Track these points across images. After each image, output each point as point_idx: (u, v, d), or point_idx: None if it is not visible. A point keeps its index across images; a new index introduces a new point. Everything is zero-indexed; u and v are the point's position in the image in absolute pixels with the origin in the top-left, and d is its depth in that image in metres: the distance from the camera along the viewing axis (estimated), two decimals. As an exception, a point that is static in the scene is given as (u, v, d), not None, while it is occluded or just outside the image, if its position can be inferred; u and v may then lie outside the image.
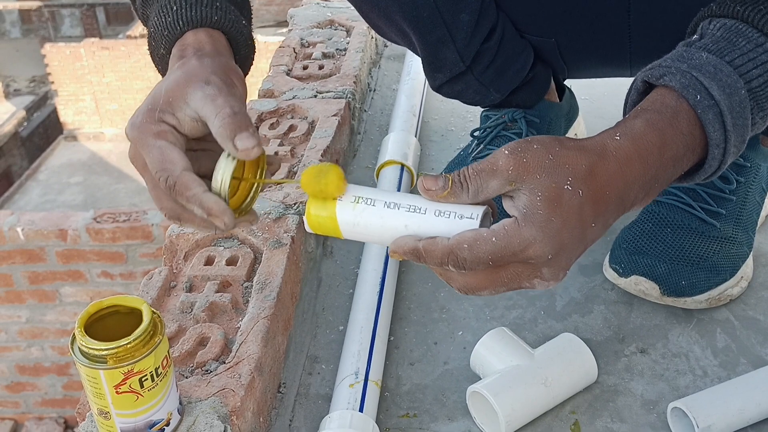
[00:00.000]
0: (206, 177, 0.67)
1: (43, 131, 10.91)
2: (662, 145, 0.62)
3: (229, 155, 0.66)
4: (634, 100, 0.69)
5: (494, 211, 0.64)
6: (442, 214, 0.62)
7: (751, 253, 0.95)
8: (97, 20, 14.74)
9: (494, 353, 0.82)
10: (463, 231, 0.60)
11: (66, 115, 10.28)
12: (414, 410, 0.82)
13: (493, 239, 0.59)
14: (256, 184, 0.71)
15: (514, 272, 0.61)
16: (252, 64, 0.81)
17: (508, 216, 0.60)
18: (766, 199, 1.01)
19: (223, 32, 0.75)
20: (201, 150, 0.71)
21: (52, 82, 10.14)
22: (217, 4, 0.74)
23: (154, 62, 0.78)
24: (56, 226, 3.16)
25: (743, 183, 0.94)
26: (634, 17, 0.94)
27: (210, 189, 0.66)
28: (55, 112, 10.63)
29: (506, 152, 0.60)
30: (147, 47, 0.78)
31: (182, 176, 0.65)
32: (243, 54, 0.78)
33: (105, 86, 9.96)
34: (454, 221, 0.61)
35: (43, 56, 9.97)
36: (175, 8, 0.73)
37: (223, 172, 0.66)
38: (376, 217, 0.63)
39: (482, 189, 0.61)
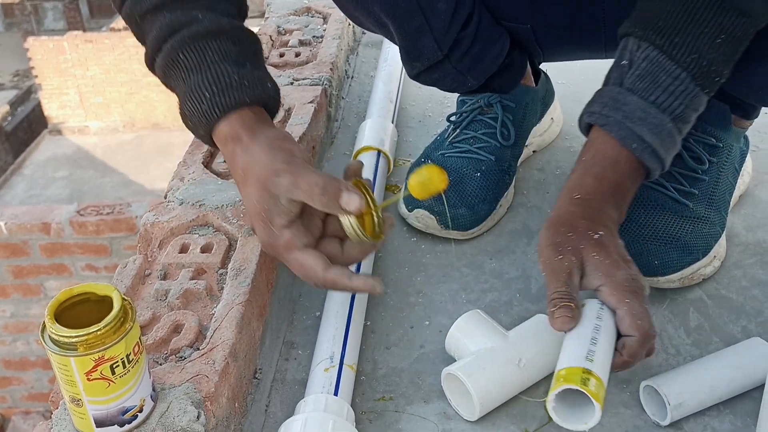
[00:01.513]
0: (328, 215, 0.80)
1: (28, 125, 10.84)
2: (613, 188, 0.80)
3: None
4: (584, 131, 0.84)
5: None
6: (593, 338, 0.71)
7: (724, 232, 0.95)
8: (81, 13, 14.63)
9: (468, 335, 0.82)
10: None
11: (50, 109, 10.22)
12: (390, 393, 0.83)
13: (627, 292, 0.73)
14: (375, 211, 0.79)
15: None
16: (281, 102, 0.87)
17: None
18: (739, 180, 1.02)
19: (254, 104, 0.81)
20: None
21: (36, 76, 10.08)
22: (246, 82, 0.80)
23: (192, 132, 0.85)
24: (39, 219, 3.15)
25: (716, 163, 0.95)
26: (608, 1, 0.95)
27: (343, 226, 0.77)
28: (39, 106, 10.57)
29: (555, 256, 0.76)
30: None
31: (327, 277, 0.76)
32: (273, 107, 0.85)
33: (89, 79, 9.91)
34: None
35: (26, 50, 9.91)
36: (207, 95, 0.79)
37: (350, 228, 0.76)
38: None
39: (575, 285, 0.74)
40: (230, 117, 0.79)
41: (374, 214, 0.79)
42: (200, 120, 0.80)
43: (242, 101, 0.79)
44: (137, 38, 0.86)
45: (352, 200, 0.74)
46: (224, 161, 1.00)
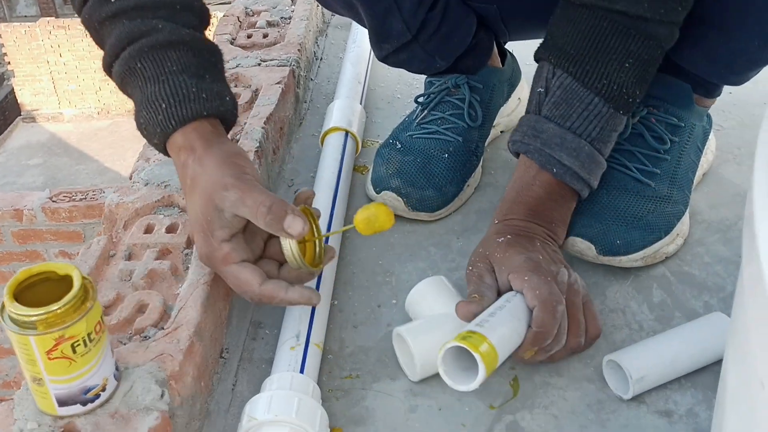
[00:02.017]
0: (270, 237, 0.81)
1: (1, 113, 10.70)
2: (532, 207, 0.86)
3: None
4: (513, 153, 0.90)
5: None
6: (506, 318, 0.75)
7: (687, 210, 0.97)
8: (53, -1, 14.43)
9: (426, 300, 0.84)
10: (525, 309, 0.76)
11: (23, 96, 10.10)
12: (357, 371, 0.83)
13: (526, 270, 0.78)
14: (318, 240, 0.81)
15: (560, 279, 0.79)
16: (237, 114, 0.87)
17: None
18: (702, 158, 1.03)
19: (210, 116, 0.81)
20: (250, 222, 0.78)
21: (8, 63, 9.95)
22: (203, 95, 0.80)
23: (147, 140, 0.84)
24: (11, 206, 3.11)
25: (677, 143, 0.96)
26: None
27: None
28: (12, 93, 10.44)
29: (468, 269, 0.83)
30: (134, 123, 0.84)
31: (263, 291, 0.77)
32: (230, 120, 0.84)
33: (62, 66, 9.80)
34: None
35: (-2, 36, 9.76)
36: (164, 106, 0.78)
37: (290, 252, 0.76)
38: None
39: (487, 285, 0.80)
40: (186, 128, 0.79)
41: (317, 242, 0.80)
42: (155, 130, 0.80)
43: (199, 114, 0.79)
44: (96, 43, 0.85)
45: (295, 224, 0.73)
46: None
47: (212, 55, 0.85)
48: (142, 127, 0.81)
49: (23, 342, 0.62)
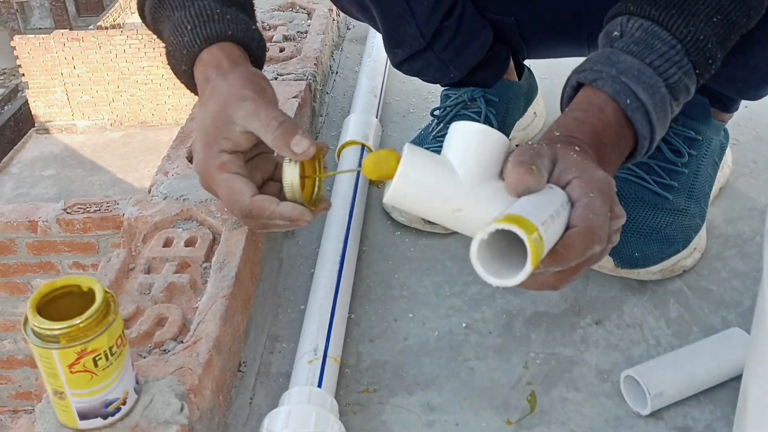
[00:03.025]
0: (269, 179, 0.78)
1: (15, 124, 10.79)
2: (595, 133, 0.70)
3: (290, 160, 0.72)
4: (569, 95, 0.76)
5: None
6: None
7: (705, 224, 0.96)
8: (67, 11, 14.57)
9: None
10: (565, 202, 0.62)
11: (37, 108, 10.19)
12: (374, 386, 0.83)
13: (596, 189, 0.63)
14: (318, 177, 0.77)
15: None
16: (265, 60, 0.86)
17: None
18: (719, 172, 1.03)
19: (236, 42, 0.80)
20: (257, 155, 0.78)
21: (23, 75, 10.05)
22: (228, 17, 0.79)
23: (176, 76, 0.83)
24: (26, 217, 3.12)
25: (695, 156, 0.96)
26: (590, -4, 0.95)
27: (279, 195, 0.74)
28: (26, 104, 10.53)
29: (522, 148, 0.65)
30: (165, 60, 0.83)
31: (253, 202, 0.73)
32: (257, 55, 0.83)
33: (76, 78, 9.88)
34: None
35: (13, 48, 9.86)
36: (189, 27, 0.78)
37: (291, 177, 0.72)
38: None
39: (543, 164, 0.64)
40: (212, 48, 0.78)
41: (317, 182, 0.77)
42: (181, 53, 0.79)
43: (223, 33, 0.78)
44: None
45: (302, 143, 0.71)
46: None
47: None
48: (170, 55, 0.80)
49: (46, 355, 0.62)
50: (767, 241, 0.46)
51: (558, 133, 0.70)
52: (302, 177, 0.73)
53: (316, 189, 0.77)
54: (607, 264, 0.89)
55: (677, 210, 0.93)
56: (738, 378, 0.78)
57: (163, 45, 0.81)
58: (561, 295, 0.93)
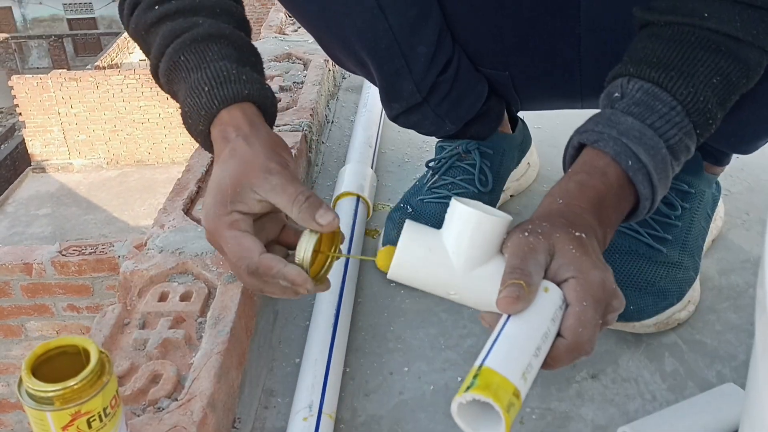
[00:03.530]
0: (273, 242, 0.79)
1: (11, 163, 10.81)
2: (597, 198, 0.71)
3: (310, 232, 0.74)
4: (571, 155, 0.77)
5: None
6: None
7: (698, 277, 0.97)
8: (65, 51, 14.69)
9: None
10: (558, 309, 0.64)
11: (34, 147, 10.21)
12: (369, 441, 0.83)
13: (590, 296, 0.64)
14: (331, 257, 0.78)
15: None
16: (276, 115, 0.87)
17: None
18: (711, 224, 1.03)
19: (252, 101, 0.81)
20: (265, 215, 0.78)
21: (20, 114, 10.08)
22: (243, 77, 0.81)
23: (192, 136, 0.84)
24: (21, 259, 3.13)
25: (688, 209, 0.97)
26: (584, 52, 0.97)
27: (286, 258, 0.74)
28: (22, 143, 10.55)
29: (521, 234, 0.67)
30: (181, 120, 0.84)
31: (261, 260, 0.73)
32: (270, 113, 0.84)
33: (73, 117, 9.92)
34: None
35: (11, 88, 9.91)
36: (206, 89, 0.79)
37: (305, 247, 0.74)
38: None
39: (539, 264, 0.65)
40: (230, 108, 0.79)
41: (329, 258, 0.78)
42: (199, 114, 0.80)
43: (240, 94, 0.80)
44: (144, 53, 0.88)
45: (327, 215, 0.73)
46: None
47: (252, 53, 0.86)
48: (187, 116, 0.81)
49: (40, 417, 0.62)
50: (759, 296, 0.46)
51: (561, 201, 0.71)
52: (315, 251, 0.75)
53: (324, 267, 0.78)
54: (601, 318, 0.89)
55: (671, 263, 0.93)
56: (733, 435, 0.78)
57: (179, 106, 0.83)
58: (556, 348, 0.92)
